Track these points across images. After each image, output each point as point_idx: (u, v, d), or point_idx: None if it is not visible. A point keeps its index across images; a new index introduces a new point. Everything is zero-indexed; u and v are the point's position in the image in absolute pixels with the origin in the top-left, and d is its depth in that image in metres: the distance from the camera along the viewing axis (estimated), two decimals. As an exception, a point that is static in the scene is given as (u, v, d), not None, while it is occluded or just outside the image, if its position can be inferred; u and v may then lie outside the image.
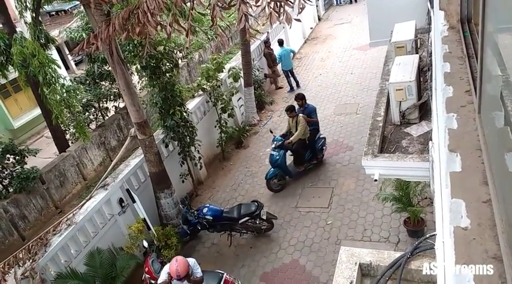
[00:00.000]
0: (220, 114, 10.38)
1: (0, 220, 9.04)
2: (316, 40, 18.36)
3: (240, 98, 11.84)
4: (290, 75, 13.73)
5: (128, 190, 7.43)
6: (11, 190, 9.45)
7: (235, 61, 11.94)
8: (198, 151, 9.08)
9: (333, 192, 8.48)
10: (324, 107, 12.12)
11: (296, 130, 8.72)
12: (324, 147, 9.45)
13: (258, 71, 13.17)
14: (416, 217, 6.54)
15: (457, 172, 1.85)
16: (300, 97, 9.18)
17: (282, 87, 14.33)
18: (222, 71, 10.57)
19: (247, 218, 7.40)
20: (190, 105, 9.67)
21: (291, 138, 8.76)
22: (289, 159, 9.21)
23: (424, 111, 5.59)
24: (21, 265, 5.88)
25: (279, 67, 13.93)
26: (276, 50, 13.77)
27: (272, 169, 8.82)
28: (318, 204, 8.25)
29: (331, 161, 9.48)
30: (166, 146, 8.75)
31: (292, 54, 14.20)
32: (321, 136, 9.44)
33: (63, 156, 11.01)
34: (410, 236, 6.75)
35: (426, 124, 5.32)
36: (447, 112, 2.21)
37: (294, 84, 13.88)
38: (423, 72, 6.03)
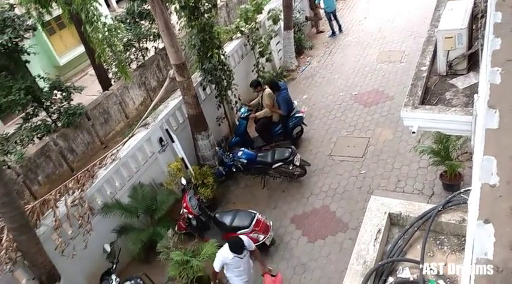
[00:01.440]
0: (257, 58, 10.23)
1: (51, 152, 9.74)
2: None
3: (278, 42, 11.54)
4: (333, 18, 13.09)
5: (167, 130, 7.70)
6: (59, 124, 10.05)
7: (275, 2, 11.47)
8: (235, 95, 9.13)
9: (369, 142, 8.40)
10: (366, 53, 11.64)
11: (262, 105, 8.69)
12: (300, 126, 8.87)
13: (299, 13, 12.63)
14: (453, 172, 6.43)
15: (494, 129, 1.79)
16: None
17: (323, 31, 13.76)
18: (261, 13, 10.26)
19: (280, 163, 7.55)
20: (228, 48, 9.56)
21: (256, 114, 8.69)
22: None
23: (473, 61, 5.25)
24: (70, 194, 6.41)
25: (322, 9, 13.29)
26: (320, -10, 13.07)
27: (235, 137, 8.82)
28: (352, 153, 8.24)
29: (368, 110, 9.29)
30: (204, 89, 8.85)
31: (336, -5, 13.46)
32: (297, 114, 8.67)
33: (107, 94, 11.44)
34: (445, 189, 6.68)
35: (474, 76, 5.02)
36: (492, 66, 2.09)
37: (336, 28, 13.27)
38: (476, 19, 5.57)
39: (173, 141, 7.71)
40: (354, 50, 12.15)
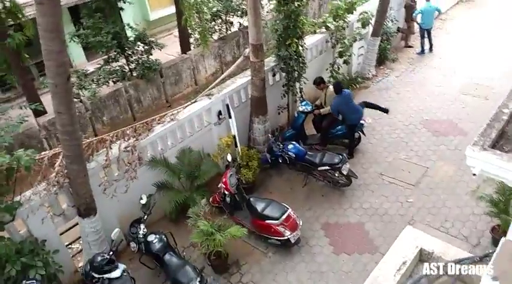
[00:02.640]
0: (335, 57, 10.01)
1: (121, 98, 10.36)
2: (473, 3, 15.95)
3: (362, 47, 11.18)
4: (426, 36, 12.39)
5: (227, 105, 7.84)
6: (134, 74, 10.63)
7: (370, 5, 11.06)
8: (302, 89, 9.03)
9: (426, 172, 7.95)
10: (450, 81, 10.95)
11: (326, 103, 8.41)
12: (358, 134, 8.53)
13: (392, 22, 12.08)
14: (507, 227, 5.91)
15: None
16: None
17: (412, 47, 13.10)
18: (353, 13, 9.95)
19: (327, 167, 7.41)
20: (309, 40, 9.42)
21: (321, 110, 8.45)
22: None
23: None
24: (126, 140, 6.78)
25: (416, 24, 12.61)
26: (420, 4, 12.37)
27: (291, 130, 8.64)
28: (405, 179, 7.86)
29: (436, 140, 8.77)
30: (274, 75, 8.85)
31: (436, 12, 12.67)
32: (361, 123, 8.38)
33: (184, 57, 11.86)
34: (493, 244, 6.19)
35: None
36: None
37: (426, 47, 12.58)
38: None
39: (230, 117, 7.84)
40: (438, 73, 11.46)
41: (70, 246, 6.92)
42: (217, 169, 7.62)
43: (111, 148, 6.59)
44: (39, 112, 8.86)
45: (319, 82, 8.60)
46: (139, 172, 6.70)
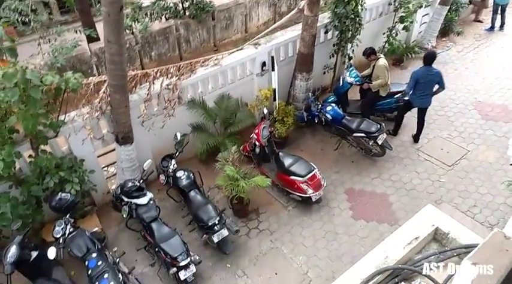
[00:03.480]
0: (395, 22, 9.44)
1: (170, 35, 10.46)
2: None
3: (426, 14, 10.42)
4: (499, 12, 11.31)
5: (272, 58, 7.73)
6: (187, 13, 10.62)
7: (445, -30, 10.15)
8: (353, 50, 8.68)
9: (466, 155, 7.62)
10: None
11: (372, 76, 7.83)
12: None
13: (466, -9, 11.09)
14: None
15: None
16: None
17: (481, 21, 12.06)
18: (423, -24, 9.20)
19: (363, 134, 7.27)
20: (370, 0, 8.90)
21: (372, 84, 7.82)
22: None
23: None
24: (169, 77, 6.94)
25: (492, -3, 11.49)
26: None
27: (333, 96, 8.23)
28: (442, 158, 7.59)
29: (484, 123, 8.29)
30: (326, 32, 8.54)
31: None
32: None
33: (238, 2, 11.63)
34: (519, 238, 5.97)
35: None
36: None
37: (497, 24, 11.52)
38: None
39: (273, 70, 7.76)
40: (503, 54, 10.56)
41: (105, 169, 7.40)
42: (252, 120, 7.70)
43: (153, 84, 6.78)
44: (92, 39, 9.17)
45: (369, 53, 7.83)
46: (177, 111, 6.90)
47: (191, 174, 6.50)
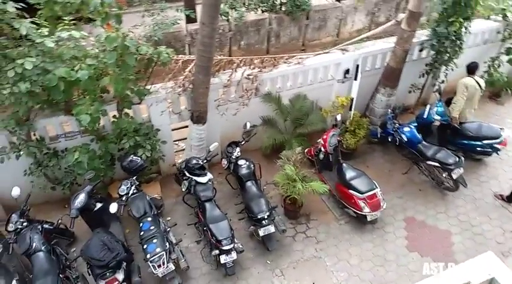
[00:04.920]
0: (500, 53, 8.66)
1: (262, 28, 10.64)
2: None
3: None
4: None
5: (357, 66, 7.54)
6: (283, 9, 10.73)
7: None
8: (446, 74, 8.15)
9: (552, 211, 6.82)
10: None
11: None
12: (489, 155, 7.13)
13: None
14: None
15: None
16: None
17: None
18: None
19: (437, 164, 6.82)
20: (477, 24, 8.26)
21: (453, 114, 7.21)
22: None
23: None
24: (251, 68, 7.10)
25: None
26: None
27: (416, 122, 7.58)
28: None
29: None
30: (421, 50, 8.11)
31: None
32: (495, 145, 7.15)
33: (336, 5, 11.50)
34: None
35: None
36: None
37: None
38: None
39: (356, 79, 7.56)
40: None
41: (176, 143, 7.80)
42: (323, 125, 7.60)
43: (236, 71, 6.99)
44: (190, 19, 9.66)
45: (472, 67, 7.31)
46: (252, 101, 7.06)
47: (252, 165, 6.61)
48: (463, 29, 7.56)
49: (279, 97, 7.36)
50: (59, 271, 5.07)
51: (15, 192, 5.41)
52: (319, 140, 7.02)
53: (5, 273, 4.99)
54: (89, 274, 5.15)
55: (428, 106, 7.63)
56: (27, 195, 5.57)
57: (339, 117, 7.12)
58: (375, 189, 6.27)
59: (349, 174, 6.53)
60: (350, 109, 7.72)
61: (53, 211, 6.27)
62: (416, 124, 7.55)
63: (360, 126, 7.53)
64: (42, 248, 5.19)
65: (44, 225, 5.57)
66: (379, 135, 7.76)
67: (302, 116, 7.48)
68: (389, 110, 7.75)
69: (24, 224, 5.34)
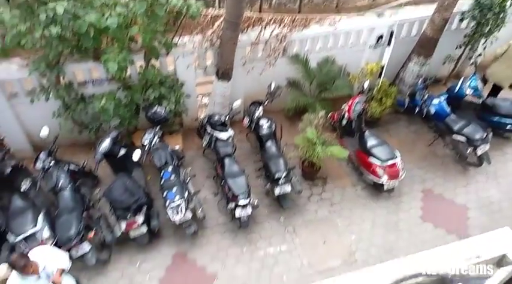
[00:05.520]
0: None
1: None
2: None
3: None
4: None
5: (392, 33, 7.26)
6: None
7: None
8: (485, 47, 7.75)
9: None
10: None
11: None
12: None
13: None
14: None
15: None
16: None
17: None
18: None
19: (463, 139, 6.66)
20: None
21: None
22: None
23: None
24: (280, 27, 6.92)
25: None
26: None
27: (446, 94, 7.27)
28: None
29: None
30: (461, 20, 7.68)
31: None
32: None
33: (375, -34, 10.89)
34: None
35: None
36: None
37: None
38: None
39: (389, 45, 7.31)
40: None
41: (200, 98, 7.84)
42: (349, 91, 7.46)
43: (265, 30, 6.86)
44: (222, -26, 9.41)
45: None
46: (278, 61, 6.97)
47: (273, 125, 6.63)
48: (508, 2, 7.11)
49: (307, 59, 7.22)
50: (82, 209, 5.37)
51: (44, 132, 5.63)
52: (344, 106, 6.93)
53: (33, 207, 5.31)
54: (111, 215, 5.43)
55: (461, 79, 7.35)
56: (55, 136, 5.80)
57: (366, 84, 6.96)
58: (395, 158, 6.22)
59: (371, 141, 6.47)
60: (379, 77, 7.52)
61: (78, 153, 6.54)
62: (446, 96, 7.30)
63: (387, 95, 7.37)
64: (68, 187, 5.47)
65: (70, 166, 5.84)
66: (406, 105, 7.58)
67: (328, 80, 7.35)
68: (420, 80, 7.50)
69: (52, 163, 5.61)
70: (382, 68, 7.47)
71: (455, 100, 7.35)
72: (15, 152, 6.39)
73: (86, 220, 5.35)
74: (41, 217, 5.18)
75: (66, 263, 4.32)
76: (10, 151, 6.06)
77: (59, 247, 4.83)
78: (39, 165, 5.61)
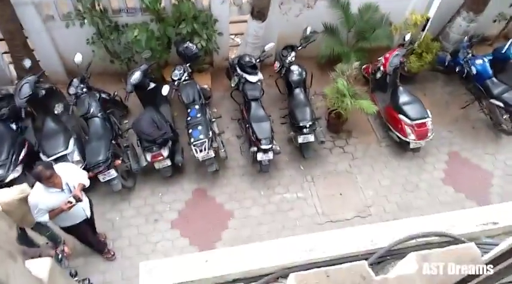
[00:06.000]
0: None
1: None
2: None
3: None
4: None
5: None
6: None
7: None
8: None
9: None
10: None
11: None
12: None
13: None
14: None
15: None
16: None
17: None
18: None
19: (501, 104, 6.35)
20: None
21: None
22: None
23: None
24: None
25: None
26: None
27: (493, 55, 6.76)
28: None
29: None
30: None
31: None
32: None
33: None
34: None
35: None
36: None
37: None
38: None
39: (435, -4, 6.78)
40: None
41: (232, 37, 7.67)
42: (388, 42, 7.07)
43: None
44: None
45: None
46: (317, 4, 6.65)
47: (304, 72, 6.47)
48: None
49: (348, 4, 6.81)
50: (111, 137, 5.58)
51: (78, 58, 5.71)
52: (381, 58, 6.63)
53: (65, 131, 5.55)
54: (138, 146, 5.63)
55: (510, 41, 6.83)
56: (88, 63, 5.87)
57: (408, 36, 6.57)
58: (426, 117, 6.03)
59: (403, 98, 6.26)
60: (423, 30, 7.06)
61: (109, 83, 6.64)
62: (491, 58, 6.85)
63: (428, 50, 6.96)
64: (99, 114, 5.64)
65: (102, 94, 5.98)
66: (446, 63, 7.18)
67: (368, 29, 6.98)
68: (466, 38, 7.02)
69: (84, 90, 5.75)
70: (428, 20, 6.98)
71: (500, 63, 6.87)
72: (50, 75, 6.56)
73: (114, 148, 5.57)
74: (72, 141, 5.43)
75: (87, 180, 4.46)
76: (45, 74, 6.21)
77: (88, 171, 5.10)
78: (72, 90, 5.76)
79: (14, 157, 5.14)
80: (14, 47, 6.06)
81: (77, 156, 5.34)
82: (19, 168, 5.11)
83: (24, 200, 4.07)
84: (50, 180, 3.93)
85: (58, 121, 5.64)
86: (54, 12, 6.07)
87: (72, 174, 4.29)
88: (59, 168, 4.17)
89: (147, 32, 5.90)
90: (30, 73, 5.55)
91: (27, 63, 5.60)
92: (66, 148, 5.31)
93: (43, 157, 5.28)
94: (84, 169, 5.15)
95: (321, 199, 5.90)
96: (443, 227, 3.14)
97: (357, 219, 5.70)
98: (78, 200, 4.16)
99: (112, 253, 5.22)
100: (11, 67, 6.70)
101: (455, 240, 2.94)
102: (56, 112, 5.66)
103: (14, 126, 5.62)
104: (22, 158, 5.23)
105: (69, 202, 4.09)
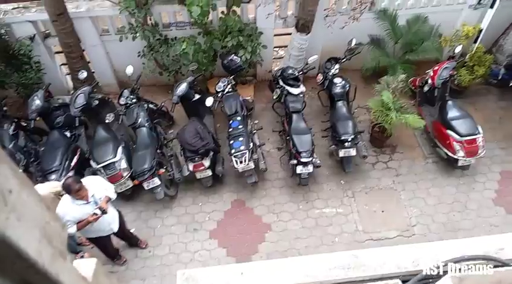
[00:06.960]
0: None
1: None
2: None
3: None
4: None
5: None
6: None
7: None
8: None
9: None
10: None
11: None
12: None
13: None
14: None
15: None
16: None
17: None
18: None
19: None
20: None
21: None
22: None
23: None
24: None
25: None
26: None
27: None
28: None
29: None
30: None
31: None
32: None
33: None
34: None
35: None
36: None
37: None
38: None
39: (492, 7, 6.45)
40: None
41: (276, 49, 7.75)
42: (437, 54, 6.84)
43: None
44: None
45: None
46: (363, 16, 6.52)
47: (347, 85, 6.39)
48: None
49: (395, 15, 6.68)
50: (157, 146, 5.80)
51: (129, 70, 6.02)
52: (429, 71, 6.40)
53: (114, 139, 5.84)
54: (181, 155, 5.81)
55: None
56: (139, 75, 6.17)
57: (458, 49, 6.31)
58: (477, 134, 5.74)
59: (453, 112, 5.99)
60: (475, 42, 6.76)
61: (157, 94, 6.94)
62: None
63: (480, 63, 6.65)
64: (146, 124, 5.89)
65: (149, 105, 6.25)
66: (500, 77, 6.83)
67: (416, 41, 6.78)
68: (523, 50, 6.64)
69: (133, 100, 6.04)
70: (480, 31, 6.68)
71: None
72: (103, 86, 6.96)
73: (159, 157, 5.78)
74: (120, 149, 5.70)
75: (113, 193, 4.61)
76: (98, 85, 6.59)
77: (133, 179, 5.32)
78: (122, 101, 6.07)
79: (66, 164, 5.49)
80: (71, 59, 6.50)
81: (124, 164, 5.59)
82: (71, 174, 5.43)
83: (56, 197, 4.36)
84: (78, 193, 4.13)
85: (108, 130, 5.95)
86: (109, 26, 6.46)
87: (98, 186, 4.46)
88: (86, 180, 4.38)
89: (195, 45, 6.11)
90: (85, 84, 5.93)
91: (83, 74, 5.99)
92: (115, 156, 5.57)
93: (93, 164, 5.58)
94: (130, 176, 5.39)
95: (362, 216, 5.75)
96: (491, 251, 2.97)
97: (400, 238, 5.49)
98: (104, 212, 4.32)
99: (124, 260, 5.36)
100: (68, 78, 7.19)
101: (502, 265, 2.77)
102: (107, 121, 5.98)
103: (68, 134, 6.02)
104: (74, 164, 5.58)
105: (95, 214, 4.26)
